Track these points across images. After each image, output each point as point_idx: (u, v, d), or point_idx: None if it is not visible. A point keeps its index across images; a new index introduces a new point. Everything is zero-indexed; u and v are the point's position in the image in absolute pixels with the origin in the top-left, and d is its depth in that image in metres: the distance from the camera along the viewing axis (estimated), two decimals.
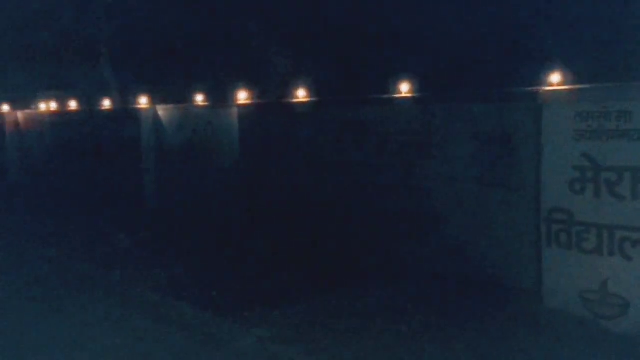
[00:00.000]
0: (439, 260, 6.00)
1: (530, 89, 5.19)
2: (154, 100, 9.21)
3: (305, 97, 7.25)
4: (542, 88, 5.10)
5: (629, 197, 4.60)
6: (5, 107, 12.14)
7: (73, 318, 5.48)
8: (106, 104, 10.09)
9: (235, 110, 8.00)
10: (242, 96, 7.93)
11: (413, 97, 6.23)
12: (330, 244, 6.77)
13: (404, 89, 6.26)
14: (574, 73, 5.07)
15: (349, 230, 6.76)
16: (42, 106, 11.43)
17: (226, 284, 6.26)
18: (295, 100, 7.30)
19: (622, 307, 4.67)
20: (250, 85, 7.99)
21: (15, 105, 12.00)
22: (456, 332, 4.87)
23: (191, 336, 5.01)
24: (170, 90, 9.18)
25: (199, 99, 8.51)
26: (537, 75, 5.20)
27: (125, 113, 9.53)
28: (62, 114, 10.99)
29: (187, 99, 8.61)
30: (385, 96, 6.40)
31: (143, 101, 9.24)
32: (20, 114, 11.99)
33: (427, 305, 5.44)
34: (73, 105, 10.80)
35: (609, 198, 4.70)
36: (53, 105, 11.23)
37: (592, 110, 4.74)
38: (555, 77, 5.03)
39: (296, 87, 7.29)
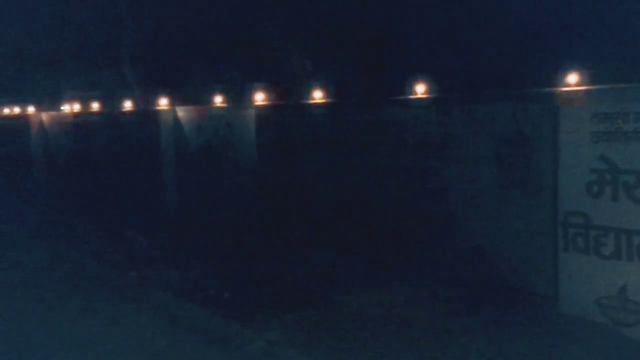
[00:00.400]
0: (455, 264, 5.91)
1: (547, 89, 5.08)
2: (174, 102, 9.26)
3: (323, 99, 7.22)
4: (559, 89, 4.98)
5: None
6: (31, 109, 12.35)
7: (82, 318, 5.54)
8: (127, 105, 10.18)
9: (253, 112, 8.01)
10: (260, 97, 7.93)
11: (429, 98, 6.15)
12: (346, 246, 6.72)
13: (421, 89, 6.18)
14: (592, 73, 4.95)
15: (365, 233, 6.70)
16: (66, 107, 11.60)
17: (240, 286, 6.26)
18: (312, 102, 7.27)
19: None
20: (268, 87, 7.99)
21: (40, 107, 12.19)
22: (471, 339, 4.79)
23: (201, 339, 5.01)
24: (189, 91, 9.22)
25: (218, 100, 8.53)
26: (555, 76, 5.08)
27: (146, 114, 9.60)
28: (84, 115, 11.13)
29: (207, 100, 8.63)
30: (402, 97, 6.33)
31: (163, 102, 9.30)
32: (44, 115, 12.18)
33: (442, 310, 5.37)
34: (95, 106, 10.93)
35: (627, 201, 4.58)
36: (76, 107, 11.38)
37: (610, 112, 4.61)
38: (572, 78, 4.92)
39: (314, 88, 7.26)
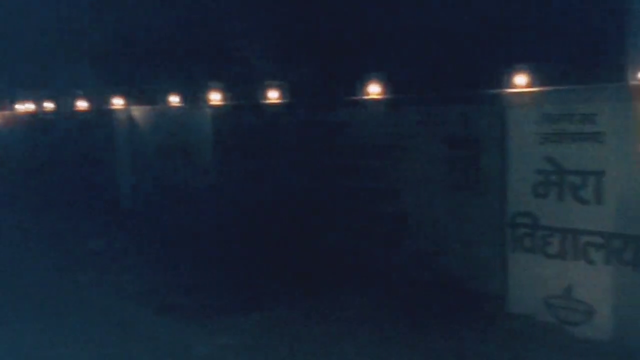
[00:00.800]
0: (408, 265, 5.93)
1: (495, 91, 5.12)
2: (129, 101, 9.11)
3: (279, 99, 7.18)
4: (507, 91, 5.03)
5: (592, 201, 4.53)
6: None
7: (30, 323, 5.39)
8: (81, 104, 9.97)
9: (209, 112, 7.92)
10: (216, 97, 7.85)
11: (384, 99, 6.16)
12: (301, 249, 6.69)
13: (375, 90, 6.18)
14: (539, 76, 5.00)
15: (321, 234, 6.69)
16: (19, 107, 11.32)
17: (194, 289, 6.17)
18: (268, 102, 7.22)
19: (587, 313, 4.61)
20: (224, 87, 7.91)
21: None
22: (420, 339, 4.79)
23: (152, 343, 4.92)
24: (145, 91, 9.08)
25: (174, 100, 8.41)
26: (504, 78, 5.12)
27: (100, 114, 9.42)
28: (37, 115, 10.88)
29: (162, 99, 8.51)
30: (357, 98, 6.32)
31: (118, 102, 9.14)
32: None
33: (393, 311, 5.37)
34: (48, 106, 10.68)
35: (573, 202, 4.63)
36: (29, 106, 11.12)
37: (556, 113, 4.67)
38: (519, 80, 4.96)
39: (270, 89, 7.21)
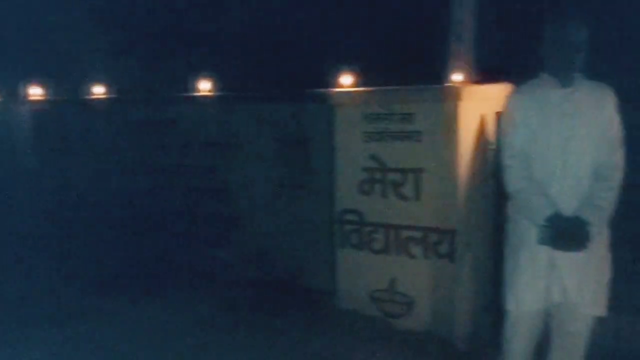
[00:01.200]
0: (239, 265, 5.86)
1: (323, 90, 5.19)
2: None
3: (104, 94, 6.77)
4: (334, 90, 5.11)
5: (412, 198, 4.72)
6: None
7: None
8: None
9: (27, 107, 7.28)
10: (36, 92, 7.24)
11: (214, 96, 6.03)
12: (130, 253, 6.34)
13: (206, 87, 6.02)
14: (365, 76, 5.15)
15: (151, 237, 6.38)
16: None
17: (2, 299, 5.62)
18: (93, 97, 6.78)
19: (408, 304, 4.79)
20: (46, 81, 7.31)
21: None
22: (248, 339, 4.73)
23: None
24: None
25: None
26: (333, 77, 5.21)
27: None
28: None
29: None
30: (187, 95, 6.13)
31: None
32: None
33: (222, 312, 5.25)
34: None
35: (395, 198, 4.80)
36: None
37: (379, 113, 4.81)
38: (345, 79, 5.07)
39: (94, 84, 6.78)
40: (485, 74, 5.20)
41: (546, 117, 3.26)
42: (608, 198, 3.22)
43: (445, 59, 5.58)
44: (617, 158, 3.26)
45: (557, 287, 3.26)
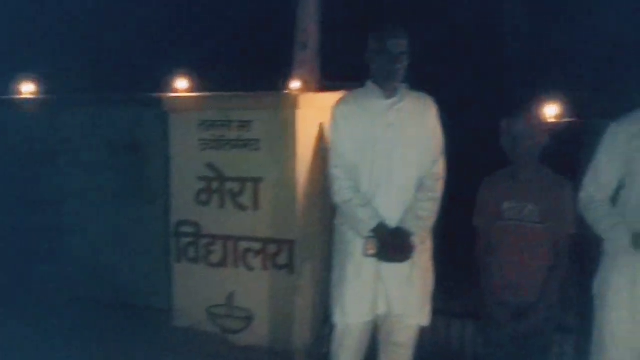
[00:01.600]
0: (71, 281, 5.37)
1: (157, 95, 4.90)
2: None
3: None
4: (168, 94, 4.84)
5: (251, 208, 4.56)
6: None
7: None
8: None
9: None
10: None
11: (39, 99, 5.51)
12: None
13: (29, 89, 5.49)
14: (203, 81, 4.94)
15: None
16: None
17: None
18: None
19: (247, 319, 4.62)
20: None
21: None
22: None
23: None
24: None
25: None
26: (168, 81, 4.95)
27: None
28: None
29: None
30: (7, 97, 5.56)
31: None
32: None
33: (50, 334, 4.76)
34: None
35: (233, 208, 4.61)
36: None
37: (216, 119, 4.60)
38: (181, 83, 4.82)
39: None
40: (334, 81, 5.20)
41: (371, 127, 3.23)
42: (430, 208, 3.24)
43: (291, 67, 5.52)
44: (439, 168, 3.29)
45: (382, 298, 3.23)
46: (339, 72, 5.14)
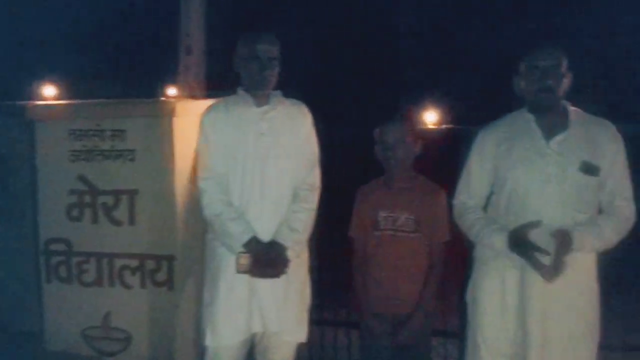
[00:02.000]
0: None
1: (22, 102, 4.54)
2: None
3: None
4: (34, 102, 4.49)
5: (126, 222, 4.29)
6: None
7: None
8: None
9: None
10: None
11: None
12: None
13: None
14: (76, 89, 4.62)
15: None
16: None
17: None
18: None
19: (125, 340, 4.35)
20: None
21: None
22: None
23: None
24: None
25: None
26: (34, 89, 4.59)
27: None
28: None
29: None
30: None
31: None
32: None
33: None
34: None
35: (107, 224, 4.32)
36: None
37: (87, 129, 4.30)
38: (48, 91, 4.48)
39: None
40: (222, 88, 5.00)
41: (242, 136, 3.09)
42: (305, 220, 3.14)
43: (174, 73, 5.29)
44: (314, 178, 3.20)
45: (257, 316, 3.10)
46: (228, 79, 4.96)
